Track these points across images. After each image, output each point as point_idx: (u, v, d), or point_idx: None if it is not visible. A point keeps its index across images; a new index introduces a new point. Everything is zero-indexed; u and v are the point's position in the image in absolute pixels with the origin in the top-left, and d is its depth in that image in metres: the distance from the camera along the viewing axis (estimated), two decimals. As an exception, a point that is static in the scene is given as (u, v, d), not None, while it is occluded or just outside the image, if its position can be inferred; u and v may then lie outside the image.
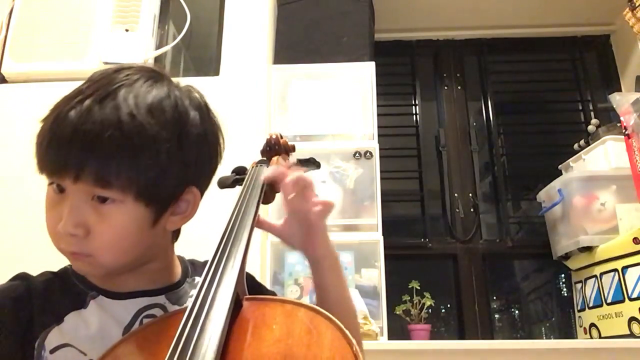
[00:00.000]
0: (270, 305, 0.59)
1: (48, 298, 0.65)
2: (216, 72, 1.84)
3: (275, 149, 0.85)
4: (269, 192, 0.78)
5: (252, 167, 0.82)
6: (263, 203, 0.75)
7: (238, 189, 0.77)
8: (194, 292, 0.56)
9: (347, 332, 0.51)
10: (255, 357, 0.51)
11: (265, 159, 0.85)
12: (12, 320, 0.62)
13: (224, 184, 0.77)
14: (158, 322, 0.61)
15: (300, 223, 0.71)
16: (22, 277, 0.67)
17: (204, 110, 0.68)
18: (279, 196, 0.76)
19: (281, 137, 0.87)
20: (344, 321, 0.67)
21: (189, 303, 0.54)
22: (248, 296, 0.60)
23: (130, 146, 0.58)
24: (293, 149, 0.88)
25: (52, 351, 0.62)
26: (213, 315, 0.52)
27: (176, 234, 0.74)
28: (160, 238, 0.68)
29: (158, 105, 0.61)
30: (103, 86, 0.61)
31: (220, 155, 0.71)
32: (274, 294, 0.80)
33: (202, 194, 0.69)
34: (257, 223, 0.71)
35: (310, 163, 0.85)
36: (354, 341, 0.49)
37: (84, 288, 0.67)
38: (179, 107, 0.63)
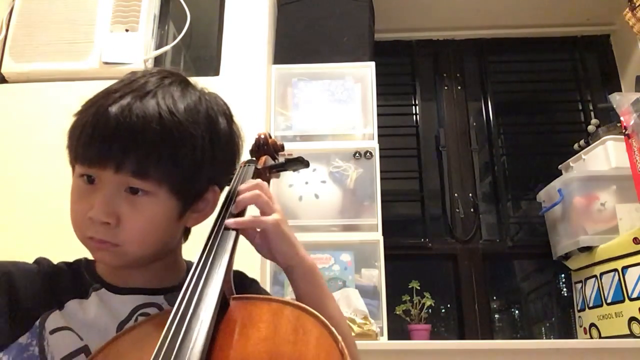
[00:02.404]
0: (256, 304, 0.59)
1: (55, 284, 0.68)
2: (216, 72, 1.84)
3: (264, 148, 0.86)
4: None
5: (241, 167, 0.82)
6: None
7: (227, 189, 0.77)
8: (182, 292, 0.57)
9: (333, 329, 0.51)
10: (242, 356, 0.51)
11: (254, 158, 0.86)
12: (19, 292, 0.65)
13: None
14: (149, 322, 0.61)
15: (265, 233, 0.70)
16: (37, 261, 0.71)
17: (229, 116, 0.72)
18: None
19: (270, 137, 0.87)
20: None
21: (176, 303, 0.55)
22: (235, 295, 0.60)
23: (170, 140, 0.62)
24: (282, 148, 0.89)
25: (52, 332, 0.64)
26: (199, 314, 0.52)
27: (186, 234, 0.76)
28: (176, 234, 0.71)
29: (193, 107, 0.65)
30: (140, 86, 0.64)
31: (239, 159, 0.75)
32: (266, 292, 0.80)
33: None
34: (242, 230, 0.71)
35: (299, 162, 0.84)
36: (339, 338, 0.50)
37: (90, 280, 0.70)
38: (210, 111, 0.68)
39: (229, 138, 0.71)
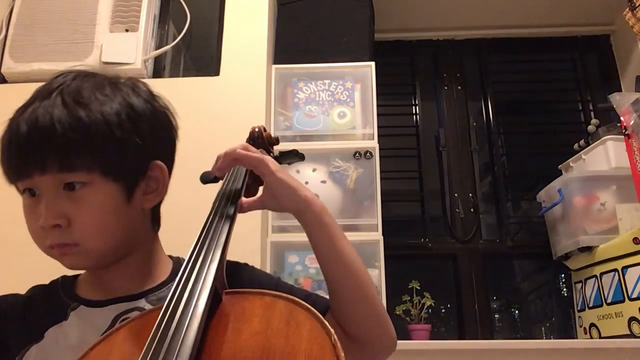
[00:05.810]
0: (249, 299, 0.59)
1: (28, 316, 0.68)
2: (216, 72, 1.84)
3: (258, 141, 0.86)
4: (251, 184, 0.78)
5: None
6: (246, 196, 0.75)
7: (221, 183, 0.77)
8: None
9: (326, 322, 0.51)
10: (234, 351, 0.51)
11: None
12: None
13: (206, 178, 0.77)
14: (136, 320, 0.60)
15: (267, 185, 0.72)
16: (1, 299, 0.70)
17: (147, 94, 0.71)
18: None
19: (264, 130, 0.87)
20: (343, 281, 0.67)
21: (167, 298, 0.55)
22: (228, 290, 0.60)
23: (82, 126, 0.62)
24: (277, 141, 0.89)
25: None
26: (191, 309, 0.52)
27: (156, 222, 0.75)
28: (140, 222, 0.70)
29: (100, 91, 0.65)
30: (44, 89, 0.66)
31: (176, 132, 0.74)
32: (263, 273, 0.80)
33: (169, 172, 0.72)
34: (245, 207, 0.72)
35: (293, 155, 0.84)
36: (332, 331, 0.50)
37: (67, 300, 0.69)
38: (122, 93, 0.67)
39: (151, 110, 0.70)
